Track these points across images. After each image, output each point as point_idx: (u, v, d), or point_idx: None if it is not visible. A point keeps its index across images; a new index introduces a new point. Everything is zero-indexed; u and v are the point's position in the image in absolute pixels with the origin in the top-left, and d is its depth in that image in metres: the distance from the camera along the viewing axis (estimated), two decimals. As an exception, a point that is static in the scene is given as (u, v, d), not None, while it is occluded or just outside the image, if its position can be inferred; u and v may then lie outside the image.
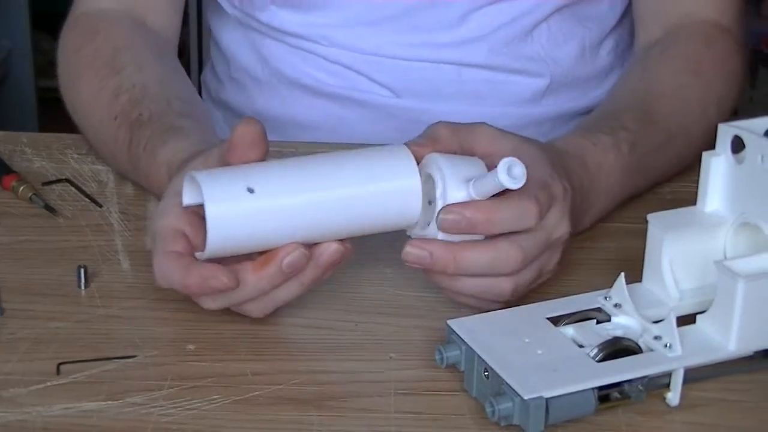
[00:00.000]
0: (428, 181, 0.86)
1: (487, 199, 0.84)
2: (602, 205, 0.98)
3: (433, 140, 0.87)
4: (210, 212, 0.81)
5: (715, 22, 1.15)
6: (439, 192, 0.84)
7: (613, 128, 1.00)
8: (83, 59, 1.10)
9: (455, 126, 0.88)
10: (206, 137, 0.97)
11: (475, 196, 0.83)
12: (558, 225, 0.87)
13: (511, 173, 0.81)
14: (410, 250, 0.84)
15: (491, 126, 0.90)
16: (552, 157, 0.90)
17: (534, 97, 1.20)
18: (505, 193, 0.84)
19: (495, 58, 1.17)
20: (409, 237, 0.86)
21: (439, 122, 0.88)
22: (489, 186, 0.83)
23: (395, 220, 0.85)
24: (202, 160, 0.88)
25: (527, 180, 0.83)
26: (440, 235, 0.84)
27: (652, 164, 1.03)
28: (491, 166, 0.83)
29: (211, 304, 0.85)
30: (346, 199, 0.83)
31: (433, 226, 0.84)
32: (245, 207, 0.81)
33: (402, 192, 0.84)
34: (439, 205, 0.84)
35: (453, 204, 0.83)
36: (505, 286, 0.85)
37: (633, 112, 1.02)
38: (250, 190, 0.81)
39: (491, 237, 0.84)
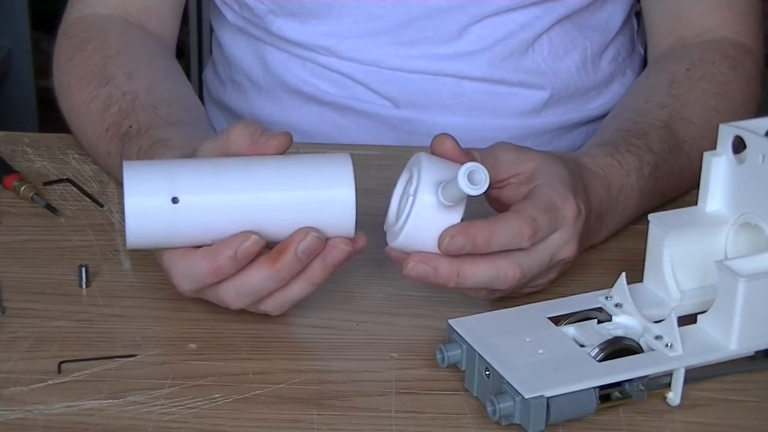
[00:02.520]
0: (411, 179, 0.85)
1: (486, 219, 0.83)
2: (615, 224, 0.98)
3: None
4: (129, 206, 0.82)
5: (736, 41, 1.13)
6: (412, 189, 0.84)
7: (640, 148, 0.99)
8: (75, 69, 1.10)
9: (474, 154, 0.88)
10: (192, 142, 0.97)
11: (444, 201, 0.82)
12: (564, 246, 0.88)
13: (471, 180, 0.80)
14: (414, 267, 0.83)
15: (510, 146, 0.90)
16: (576, 174, 0.91)
17: (534, 109, 1.19)
18: (507, 208, 0.85)
19: (494, 71, 1.16)
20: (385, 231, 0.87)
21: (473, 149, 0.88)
22: (454, 191, 0.81)
23: (329, 228, 0.84)
24: None
25: (530, 200, 0.84)
26: (406, 229, 0.83)
27: (669, 186, 1.02)
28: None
29: (236, 301, 0.85)
30: (276, 204, 0.83)
31: (402, 221, 0.84)
32: (163, 204, 0.82)
33: (335, 201, 0.83)
34: (409, 202, 0.83)
35: (454, 226, 0.83)
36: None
37: (660, 133, 1.02)
38: (174, 198, 0.82)
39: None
